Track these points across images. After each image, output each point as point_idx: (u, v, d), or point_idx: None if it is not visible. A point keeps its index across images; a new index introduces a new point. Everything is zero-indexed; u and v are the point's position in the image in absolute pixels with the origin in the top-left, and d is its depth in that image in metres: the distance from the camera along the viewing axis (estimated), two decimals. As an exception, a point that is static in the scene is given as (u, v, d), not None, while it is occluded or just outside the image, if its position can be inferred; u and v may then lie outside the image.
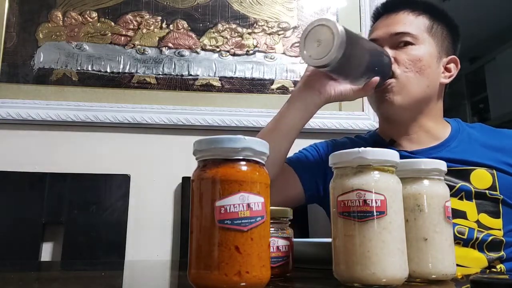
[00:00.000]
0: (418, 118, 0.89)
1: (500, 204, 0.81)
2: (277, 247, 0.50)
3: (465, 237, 0.78)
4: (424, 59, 0.85)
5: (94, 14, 1.32)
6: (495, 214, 0.80)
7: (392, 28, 0.87)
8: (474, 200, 0.80)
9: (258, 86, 1.34)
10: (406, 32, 0.86)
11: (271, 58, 1.36)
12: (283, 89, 1.34)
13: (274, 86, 1.34)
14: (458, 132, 0.90)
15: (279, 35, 1.37)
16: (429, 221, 0.47)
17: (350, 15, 1.38)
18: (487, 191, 0.81)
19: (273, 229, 0.50)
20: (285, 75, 1.35)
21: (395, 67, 0.84)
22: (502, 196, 0.81)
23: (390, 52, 0.85)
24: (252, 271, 0.37)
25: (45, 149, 1.22)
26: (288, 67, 1.36)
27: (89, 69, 1.28)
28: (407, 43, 0.86)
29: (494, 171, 0.82)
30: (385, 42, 0.87)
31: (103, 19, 1.32)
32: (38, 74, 1.26)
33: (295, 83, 1.35)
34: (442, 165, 0.50)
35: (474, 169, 0.83)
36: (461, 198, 0.81)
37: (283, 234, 0.51)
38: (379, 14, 0.94)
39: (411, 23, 0.88)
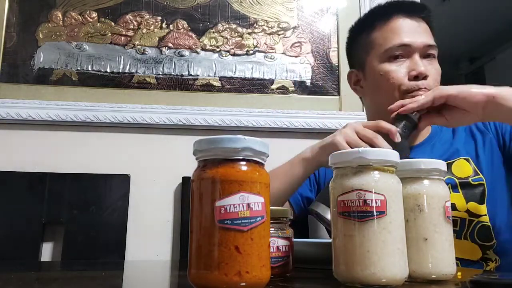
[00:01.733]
0: None
1: (485, 188, 0.82)
2: (277, 247, 0.50)
3: (457, 228, 0.80)
4: (440, 72, 0.88)
5: (94, 14, 1.32)
6: (481, 201, 0.82)
7: (425, 39, 0.86)
8: (460, 191, 0.81)
9: (258, 86, 1.34)
10: (434, 45, 0.87)
11: (271, 58, 1.36)
12: (283, 89, 1.34)
13: (274, 86, 1.34)
14: (438, 131, 0.94)
15: (279, 35, 1.37)
16: (429, 221, 0.47)
17: (350, 15, 1.38)
18: (469, 179, 0.83)
19: (273, 229, 0.50)
20: (285, 75, 1.35)
21: (430, 81, 0.83)
22: (484, 179, 0.82)
23: (421, 62, 0.83)
24: (252, 271, 0.37)
25: (45, 149, 1.22)
26: (288, 67, 1.36)
27: (89, 69, 1.28)
28: (431, 56, 0.86)
29: (469, 158, 0.86)
30: (417, 50, 0.85)
31: (103, 19, 1.32)
32: (38, 74, 1.26)
33: (295, 83, 1.35)
34: (442, 165, 0.50)
35: (454, 160, 0.86)
36: None
37: (283, 234, 0.51)
38: (392, 12, 0.89)
39: (431, 34, 0.88)
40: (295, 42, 1.38)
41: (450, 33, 3.40)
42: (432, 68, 0.85)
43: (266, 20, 1.38)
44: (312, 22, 1.40)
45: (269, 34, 1.37)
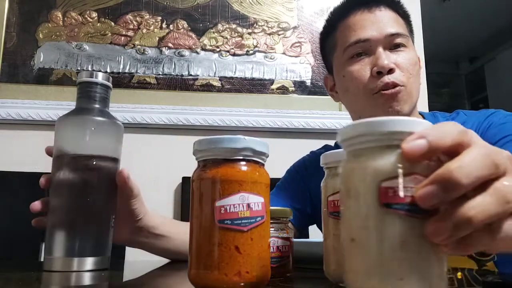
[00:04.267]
0: None
1: None
2: (277, 247, 0.50)
3: None
4: (417, 62, 0.81)
5: (94, 14, 1.32)
6: None
7: (386, 28, 0.77)
8: None
9: (258, 86, 1.34)
10: (400, 33, 0.78)
11: (271, 58, 1.36)
12: (283, 89, 1.34)
13: (274, 86, 1.34)
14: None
15: (279, 35, 1.37)
16: (356, 213, 0.30)
17: (350, 15, 1.38)
18: None
19: (273, 229, 0.50)
20: (285, 75, 1.35)
21: (399, 74, 0.76)
22: None
23: (384, 54, 0.76)
24: (252, 271, 0.37)
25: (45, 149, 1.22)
26: (288, 67, 1.36)
27: (89, 69, 1.28)
28: (400, 45, 0.78)
29: None
30: (378, 43, 0.77)
31: (103, 19, 1.32)
32: (38, 74, 1.26)
33: (295, 83, 1.35)
34: (379, 125, 0.29)
35: None
36: None
37: (283, 234, 0.51)
38: (350, 8, 0.81)
39: (398, 22, 0.80)
40: (295, 42, 1.38)
41: (450, 33, 3.41)
42: (401, 59, 0.76)
43: (266, 20, 1.38)
44: (312, 22, 1.40)
45: (269, 34, 1.37)
